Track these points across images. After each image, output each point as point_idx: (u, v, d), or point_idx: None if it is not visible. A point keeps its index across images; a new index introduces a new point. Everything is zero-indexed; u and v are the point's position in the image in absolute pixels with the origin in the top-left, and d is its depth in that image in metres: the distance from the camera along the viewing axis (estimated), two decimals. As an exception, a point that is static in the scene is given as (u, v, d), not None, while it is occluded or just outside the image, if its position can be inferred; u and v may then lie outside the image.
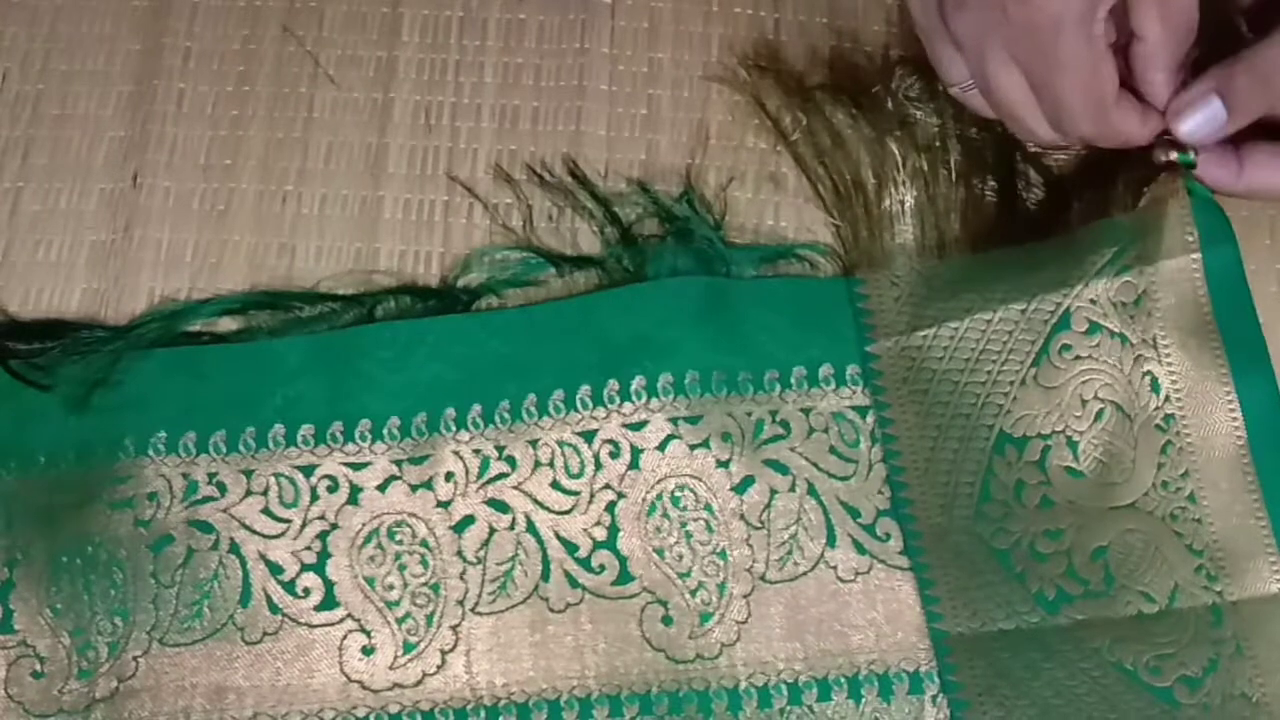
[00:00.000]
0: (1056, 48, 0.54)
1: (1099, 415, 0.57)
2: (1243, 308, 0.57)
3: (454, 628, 0.57)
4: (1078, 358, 0.57)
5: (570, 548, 0.57)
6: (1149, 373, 0.57)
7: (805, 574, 0.57)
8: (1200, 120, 0.56)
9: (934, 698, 0.55)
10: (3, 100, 0.66)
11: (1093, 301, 0.57)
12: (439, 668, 0.56)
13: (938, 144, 0.62)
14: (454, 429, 0.59)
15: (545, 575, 0.57)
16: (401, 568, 0.57)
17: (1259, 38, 0.55)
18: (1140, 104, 0.56)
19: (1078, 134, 0.57)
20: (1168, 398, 0.57)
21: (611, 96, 0.66)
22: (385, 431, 0.59)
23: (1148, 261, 0.57)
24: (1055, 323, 0.57)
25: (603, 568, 0.57)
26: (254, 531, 0.58)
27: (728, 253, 0.61)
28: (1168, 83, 0.56)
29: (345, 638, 0.57)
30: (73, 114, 0.66)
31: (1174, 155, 0.57)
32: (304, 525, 0.58)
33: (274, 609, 0.57)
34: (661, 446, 0.58)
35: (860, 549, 0.57)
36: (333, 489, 0.58)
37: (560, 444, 0.59)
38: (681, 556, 0.57)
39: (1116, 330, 0.57)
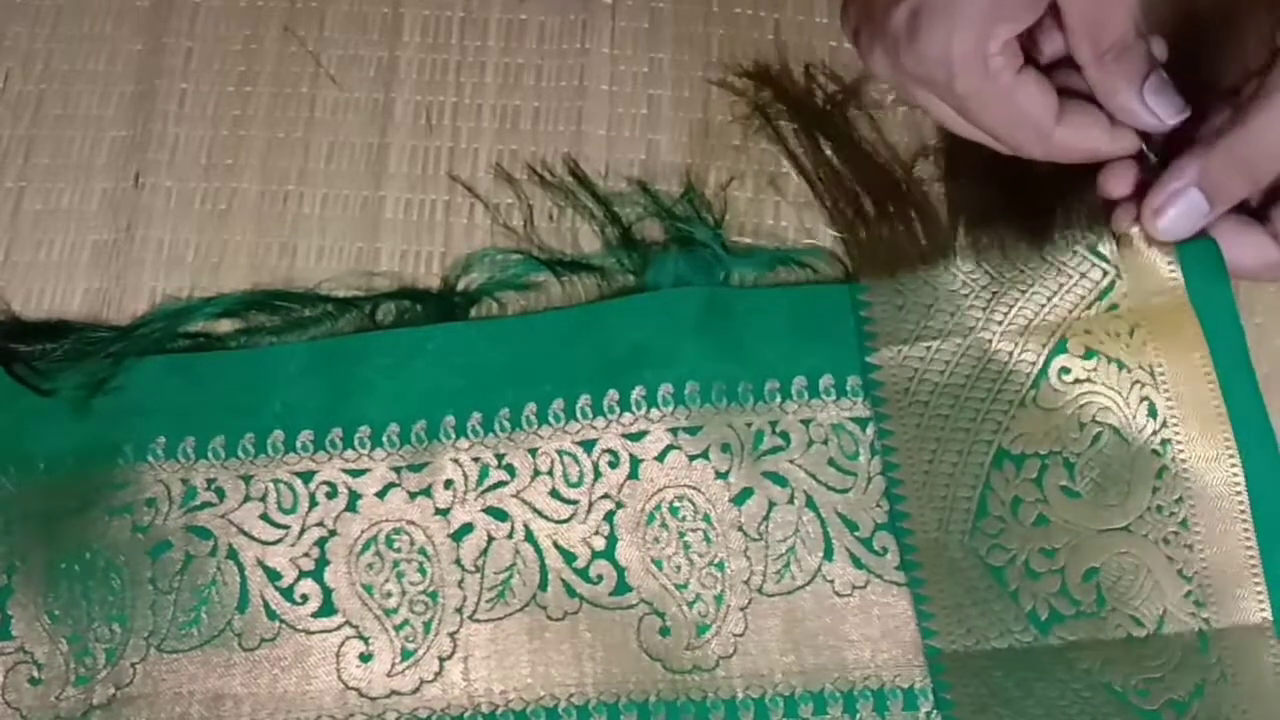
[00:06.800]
0: (954, 89, 0.54)
1: (1096, 438, 0.57)
2: (1235, 343, 0.57)
3: (452, 635, 0.57)
4: (1076, 380, 0.57)
5: (568, 557, 0.57)
6: (1146, 398, 0.57)
7: (802, 587, 0.57)
8: (1180, 214, 0.55)
9: (928, 714, 0.55)
10: (5, 100, 0.66)
11: (1088, 332, 0.58)
12: (437, 675, 0.56)
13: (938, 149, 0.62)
14: (453, 436, 0.59)
15: (543, 584, 0.57)
16: (400, 575, 0.57)
17: (1235, 115, 0.53)
18: (1104, 115, 0.55)
19: (1035, 158, 0.56)
20: (1164, 423, 0.57)
21: (612, 96, 0.66)
22: (384, 438, 0.59)
23: (1135, 299, 0.58)
24: (1054, 347, 0.58)
25: (601, 577, 0.57)
26: (252, 538, 0.58)
27: (728, 258, 0.61)
28: (1106, 78, 0.54)
29: (343, 645, 0.57)
30: (74, 114, 0.66)
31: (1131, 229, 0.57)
32: (302, 531, 0.58)
33: (272, 615, 0.57)
34: (661, 457, 0.58)
35: (857, 563, 0.57)
36: (331, 495, 0.58)
37: (560, 453, 0.58)
38: (679, 567, 0.57)
39: (1114, 356, 0.57)
